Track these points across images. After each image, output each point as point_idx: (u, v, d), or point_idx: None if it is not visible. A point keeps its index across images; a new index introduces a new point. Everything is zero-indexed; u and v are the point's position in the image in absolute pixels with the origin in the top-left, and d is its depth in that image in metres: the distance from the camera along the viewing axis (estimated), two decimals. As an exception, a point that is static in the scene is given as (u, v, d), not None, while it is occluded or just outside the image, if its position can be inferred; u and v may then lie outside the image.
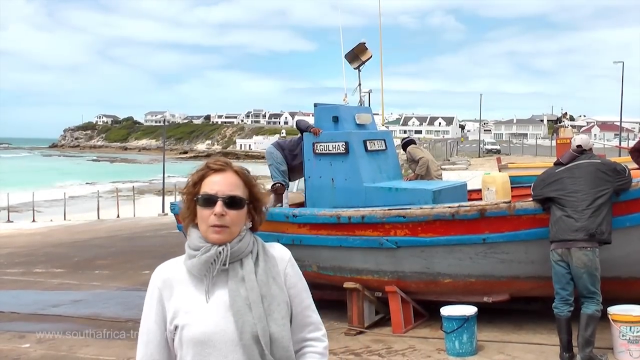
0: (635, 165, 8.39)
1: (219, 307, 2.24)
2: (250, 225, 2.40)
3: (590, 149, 6.98)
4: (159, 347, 2.33)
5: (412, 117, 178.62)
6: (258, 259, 2.33)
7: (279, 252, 2.42)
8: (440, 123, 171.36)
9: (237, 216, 2.31)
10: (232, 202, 2.29)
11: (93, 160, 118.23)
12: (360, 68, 10.35)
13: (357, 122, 9.58)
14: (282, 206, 9.44)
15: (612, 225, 6.53)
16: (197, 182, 2.35)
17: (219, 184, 2.31)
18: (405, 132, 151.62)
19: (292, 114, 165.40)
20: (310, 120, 9.93)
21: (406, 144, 11.01)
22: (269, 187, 9.65)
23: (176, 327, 2.27)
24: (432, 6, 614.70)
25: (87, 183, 58.44)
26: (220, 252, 2.26)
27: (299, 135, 9.68)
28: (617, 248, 6.68)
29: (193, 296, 2.28)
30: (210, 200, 2.29)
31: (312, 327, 2.42)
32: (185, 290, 2.30)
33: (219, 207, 2.27)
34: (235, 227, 2.31)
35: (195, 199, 2.33)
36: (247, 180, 2.38)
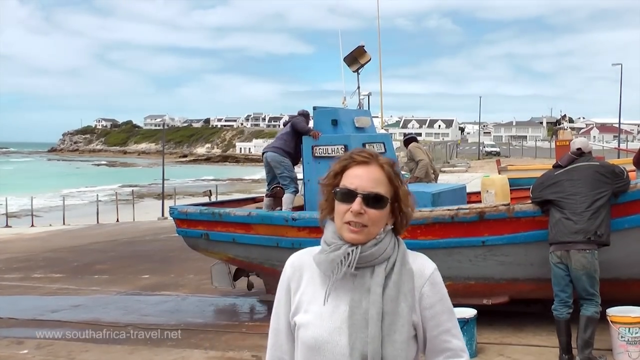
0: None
1: (337, 316, 2.07)
2: (392, 227, 2.18)
3: (589, 152, 6.99)
4: (288, 338, 2.21)
5: (411, 120, 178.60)
6: (393, 270, 2.10)
7: (420, 267, 2.17)
8: (439, 125, 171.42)
9: (376, 216, 2.10)
10: (372, 200, 2.09)
11: (103, 164, 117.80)
12: (359, 71, 10.36)
13: (356, 125, 9.59)
14: (281, 209, 9.43)
15: (611, 227, 6.53)
16: (339, 172, 2.16)
17: (360, 178, 2.10)
18: (405, 134, 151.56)
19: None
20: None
21: (408, 140, 10.92)
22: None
23: (295, 324, 2.15)
24: (428, 9, 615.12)
25: (85, 187, 58.38)
26: (349, 254, 2.07)
27: (287, 129, 9.64)
28: (616, 250, 6.67)
29: (317, 295, 2.12)
30: (349, 195, 2.09)
31: (449, 353, 2.16)
32: (311, 287, 2.16)
33: (357, 204, 2.07)
34: (374, 228, 2.10)
35: (334, 191, 2.14)
36: (393, 177, 2.16)
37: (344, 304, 2.09)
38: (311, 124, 9.70)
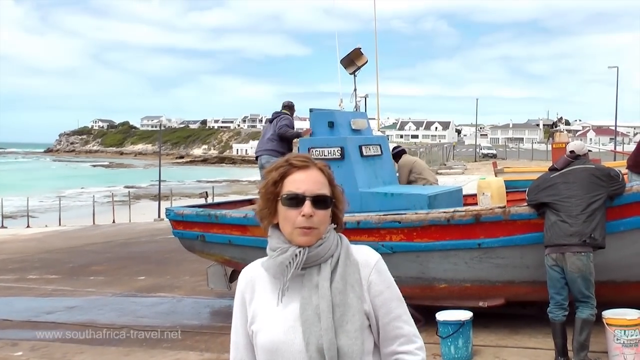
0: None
1: (289, 315, 2.13)
2: (335, 226, 2.25)
3: (585, 155, 7.00)
4: (247, 349, 2.25)
5: (408, 122, 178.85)
6: (338, 264, 2.16)
7: (364, 257, 2.22)
8: (436, 128, 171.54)
9: (324, 216, 2.17)
10: (320, 202, 2.15)
11: (99, 165, 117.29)
12: (356, 73, 10.34)
13: (353, 128, 9.57)
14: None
15: (606, 229, 6.54)
16: (278, 180, 2.20)
17: (305, 182, 2.16)
18: (401, 136, 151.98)
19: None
20: (301, 124, 9.91)
21: (397, 154, 10.81)
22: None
23: (253, 332, 2.20)
24: (424, 11, 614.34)
25: (82, 188, 58.27)
26: (296, 255, 2.13)
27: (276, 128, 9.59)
28: (612, 252, 6.68)
29: (269, 301, 2.18)
30: (297, 200, 2.14)
31: (403, 339, 2.20)
32: (264, 294, 2.21)
33: (307, 207, 2.13)
34: (323, 227, 2.17)
35: (279, 198, 2.18)
36: (331, 178, 2.24)
37: (294, 303, 2.14)
38: (306, 124, 9.69)
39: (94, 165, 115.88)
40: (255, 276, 2.27)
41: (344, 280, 2.14)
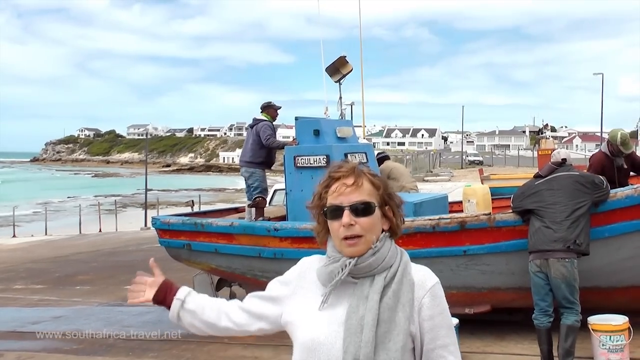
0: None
1: (334, 320, 2.13)
2: (389, 234, 2.24)
3: (570, 163, 7.06)
4: (244, 311, 2.36)
5: (395, 129, 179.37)
6: (393, 280, 2.14)
7: (421, 278, 2.20)
8: (423, 135, 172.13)
9: (368, 223, 2.15)
10: (360, 209, 2.15)
11: (85, 174, 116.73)
12: (341, 81, 10.36)
13: (338, 135, 9.59)
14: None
15: (591, 236, 6.59)
16: (323, 194, 2.23)
17: (343, 192, 2.17)
18: (388, 144, 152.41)
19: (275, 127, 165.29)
20: (288, 132, 9.92)
21: (380, 160, 10.82)
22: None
23: (291, 323, 2.23)
24: (406, 19, 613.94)
25: (68, 197, 57.96)
26: (346, 265, 2.14)
27: (255, 137, 9.59)
28: (596, 258, 6.73)
29: (316, 299, 2.19)
30: (337, 211, 2.15)
31: None
32: (313, 290, 2.22)
33: (346, 216, 2.13)
34: (370, 235, 2.15)
35: (323, 212, 2.21)
36: (375, 182, 2.21)
37: (342, 309, 2.13)
38: (292, 132, 9.70)
39: (81, 174, 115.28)
40: (311, 269, 2.28)
41: (396, 297, 2.11)
